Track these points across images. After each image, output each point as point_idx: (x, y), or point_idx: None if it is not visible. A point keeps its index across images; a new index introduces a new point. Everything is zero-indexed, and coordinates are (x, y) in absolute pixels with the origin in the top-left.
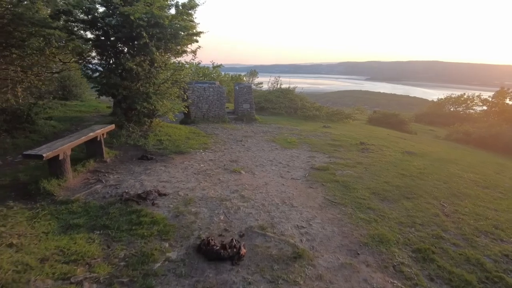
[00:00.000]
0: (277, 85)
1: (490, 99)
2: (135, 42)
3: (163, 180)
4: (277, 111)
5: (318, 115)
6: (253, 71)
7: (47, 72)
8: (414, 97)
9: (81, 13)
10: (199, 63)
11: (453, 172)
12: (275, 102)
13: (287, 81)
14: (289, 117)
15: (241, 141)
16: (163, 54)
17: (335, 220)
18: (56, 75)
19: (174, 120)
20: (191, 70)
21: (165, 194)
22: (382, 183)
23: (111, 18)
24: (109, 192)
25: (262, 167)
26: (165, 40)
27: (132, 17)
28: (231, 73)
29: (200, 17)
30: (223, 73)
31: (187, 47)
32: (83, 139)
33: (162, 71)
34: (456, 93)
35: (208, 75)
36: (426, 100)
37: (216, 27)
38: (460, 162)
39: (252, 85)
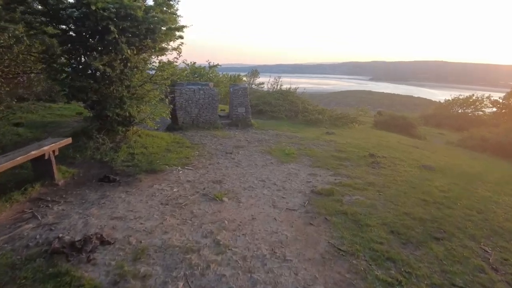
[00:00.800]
0: (277, 85)
1: (501, 100)
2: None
3: (116, 216)
4: (276, 115)
5: (320, 119)
6: (255, 71)
7: (29, 73)
8: (418, 97)
9: (38, 3)
10: (194, 63)
11: (484, 195)
12: (274, 104)
13: (289, 82)
14: (290, 121)
15: (231, 153)
16: (135, 52)
17: (344, 284)
18: (42, 76)
19: (156, 127)
20: (185, 70)
21: (109, 242)
22: (402, 215)
23: (73, 9)
24: (38, 236)
25: (252, 190)
26: (141, 36)
27: (93, 7)
28: (230, 73)
29: (201, 15)
30: (220, 73)
31: (168, 44)
32: (19, 160)
33: (138, 72)
34: (462, 93)
35: (204, 75)
36: (430, 101)
37: (218, 27)
38: (486, 178)
39: (253, 85)
